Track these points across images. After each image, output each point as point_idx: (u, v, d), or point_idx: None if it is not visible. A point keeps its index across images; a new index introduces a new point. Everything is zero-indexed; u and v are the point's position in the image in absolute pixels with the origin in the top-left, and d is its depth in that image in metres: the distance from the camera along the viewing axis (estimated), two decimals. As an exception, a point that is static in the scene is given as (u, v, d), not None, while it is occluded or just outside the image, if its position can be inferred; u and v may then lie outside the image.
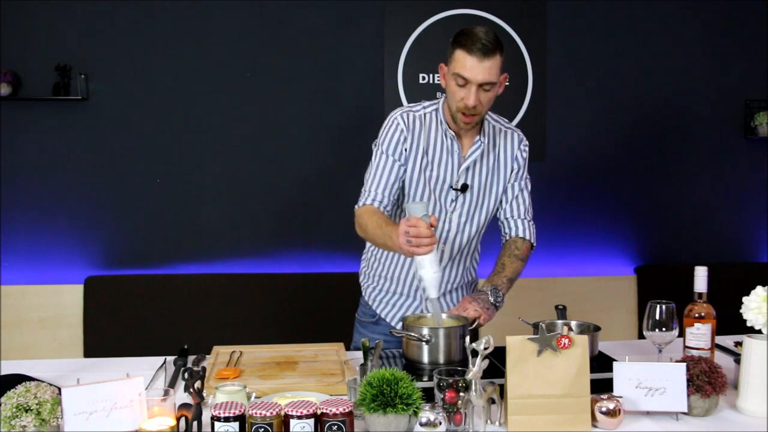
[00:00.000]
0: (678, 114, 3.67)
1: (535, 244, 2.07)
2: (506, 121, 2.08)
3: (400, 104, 3.35)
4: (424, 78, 3.44)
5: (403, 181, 1.97)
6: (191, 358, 1.93)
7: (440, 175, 1.97)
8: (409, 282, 2.08)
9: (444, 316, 1.82)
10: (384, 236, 1.79)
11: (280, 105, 3.40)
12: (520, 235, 2.05)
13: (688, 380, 1.50)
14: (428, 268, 1.66)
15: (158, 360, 1.92)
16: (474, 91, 1.81)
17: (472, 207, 2.01)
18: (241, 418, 1.33)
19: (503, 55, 1.82)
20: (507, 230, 2.07)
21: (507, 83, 2.05)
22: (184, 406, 1.37)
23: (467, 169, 1.98)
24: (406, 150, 1.95)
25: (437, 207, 1.99)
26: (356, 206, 1.96)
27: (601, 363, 1.71)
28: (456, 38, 1.83)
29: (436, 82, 3.45)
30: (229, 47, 3.35)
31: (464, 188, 1.98)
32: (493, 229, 2.11)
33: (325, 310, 3.26)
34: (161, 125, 3.34)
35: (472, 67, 1.78)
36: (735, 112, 3.69)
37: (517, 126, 2.10)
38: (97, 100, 3.28)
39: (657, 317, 1.72)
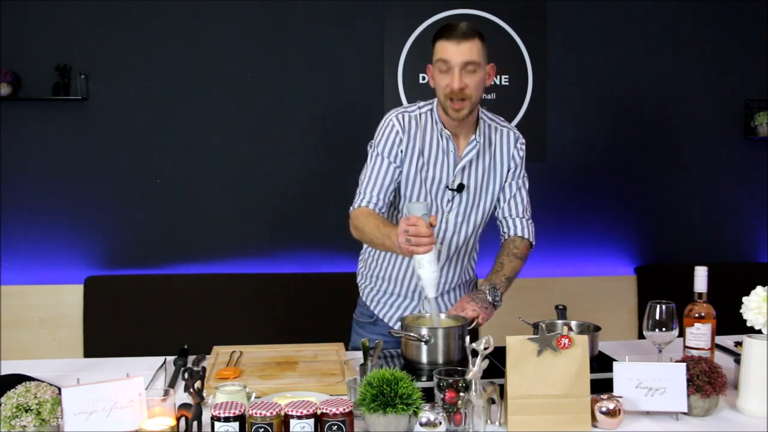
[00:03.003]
0: (678, 114, 3.67)
1: (534, 243, 2.07)
2: (502, 119, 2.08)
3: (400, 104, 3.34)
4: (424, 78, 3.44)
5: (399, 182, 1.98)
6: (191, 358, 1.93)
7: (436, 175, 1.97)
8: (407, 283, 2.08)
9: (442, 316, 1.82)
10: (382, 237, 1.79)
11: (280, 105, 3.40)
12: (519, 233, 2.05)
13: (688, 380, 1.49)
14: (427, 268, 1.68)
15: (158, 360, 1.92)
16: (457, 73, 1.83)
17: (469, 206, 2.01)
18: (241, 418, 1.33)
19: (484, 44, 1.87)
20: (506, 229, 2.07)
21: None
22: (184, 406, 1.37)
23: (463, 168, 1.98)
24: (401, 152, 1.95)
25: (434, 207, 1.98)
26: (351, 208, 1.97)
27: (601, 363, 1.71)
28: (435, 34, 1.90)
29: (436, 82, 3.44)
30: (229, 47, 3.35)
31: (460, 188, 1.98)
32: (491, 228, 2.11)
33: (325, 310, 3.26)
34: (161, 125, 3.34)
35: (451, 49, 1.83)
36: (735, 112, 3.69)
37: (517, 126, 2.10)
38: (97, 100, 3.28)
39: (657, 317, 1.72)
